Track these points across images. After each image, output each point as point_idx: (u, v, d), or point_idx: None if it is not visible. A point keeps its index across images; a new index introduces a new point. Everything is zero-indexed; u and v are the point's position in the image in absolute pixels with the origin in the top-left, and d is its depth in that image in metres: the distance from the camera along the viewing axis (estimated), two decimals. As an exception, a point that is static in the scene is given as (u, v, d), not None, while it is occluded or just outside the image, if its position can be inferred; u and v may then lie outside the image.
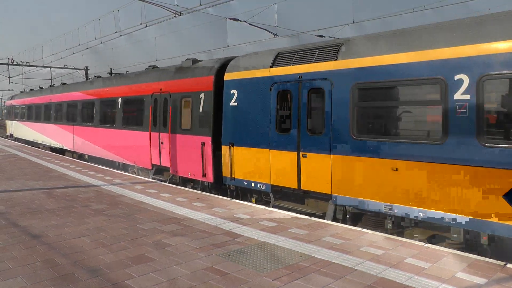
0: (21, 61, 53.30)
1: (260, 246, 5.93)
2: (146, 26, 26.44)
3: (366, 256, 5.49)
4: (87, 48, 38.94)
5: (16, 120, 32.22)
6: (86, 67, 58.60)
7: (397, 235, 6.92)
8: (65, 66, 56.62)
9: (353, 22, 26.19)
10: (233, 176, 9.82)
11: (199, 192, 10.07)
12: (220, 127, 10.30)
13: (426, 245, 5.98)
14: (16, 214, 7.89)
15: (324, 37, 26.49)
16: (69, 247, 5.92)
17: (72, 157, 19.33)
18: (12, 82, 57.09)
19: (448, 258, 5.45)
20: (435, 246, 6.00)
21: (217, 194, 10.26)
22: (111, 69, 61.01)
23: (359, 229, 6.85)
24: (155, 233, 6.58)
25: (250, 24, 24.94)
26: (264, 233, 6.53)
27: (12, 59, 52.60)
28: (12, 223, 7.30)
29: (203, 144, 10.64)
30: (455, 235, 6.46)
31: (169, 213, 7.85)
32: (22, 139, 29.96)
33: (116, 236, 6.41)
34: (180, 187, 10.85)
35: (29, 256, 5.57)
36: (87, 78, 58.16)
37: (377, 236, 6.47)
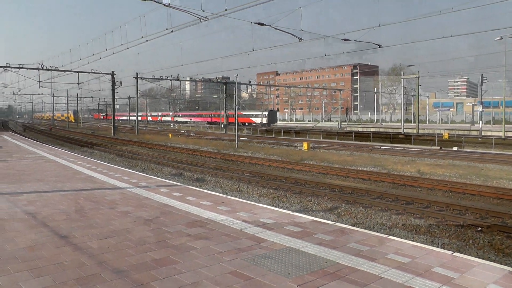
0: (50, 66, 54.44)
1: (285, 251, 5.89)
2: (172, 31, 26.73)
3: (392, 264, 5.40)
4: (113, 53, 39.50)
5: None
6: (113, 71, 59.60)
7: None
8: (92, 71, 57.60)
9: (379, 25, 26.02)
10: None
11: (224, 196, 10.08)
12: None
13: (455, 253, 5.86)
14: (45, 215, 8.01)
15: (350, 40, 26.36)
16: (95, 248, 5.98)
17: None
18: (42, 86, 58.20)
19: (478, 268, 5.31)
20: (465, 255, 5.86)
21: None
22: (137, 73, 61.78)
23: (385, 235, 6.76)
24: (180, 236, 6.60)
25: (275, 28, 24.99)
26: (289, 238, 6.48)
27: (42, 64, 53.77)
28: (41, 223, 7.42)
29: None
30: None
31: (194, 216, 7.87)
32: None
33: (141, 238, 6.45)
34: (205, 190, 10.87)
35: (57, 256, 5.65)
36: (113, 82, 58.94)
37: (404, 243, 6.36)
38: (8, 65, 51.69)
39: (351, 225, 8.35)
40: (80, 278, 4.90)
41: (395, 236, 7.09)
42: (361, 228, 7.69)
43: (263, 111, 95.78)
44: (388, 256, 5.69)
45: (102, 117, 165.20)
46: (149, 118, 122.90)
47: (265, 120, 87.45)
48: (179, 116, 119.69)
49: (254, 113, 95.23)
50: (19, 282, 4.79)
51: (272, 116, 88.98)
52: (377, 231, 9.82)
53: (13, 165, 16.19)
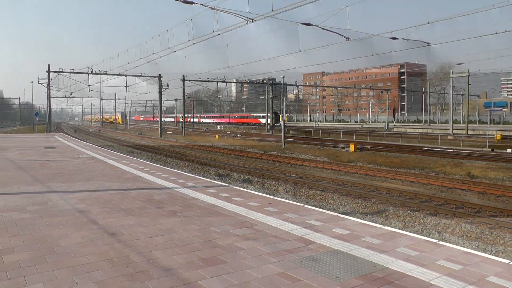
0: (99, 70, 55.91)
1: (333, 253, 5.80)
2: (219, 34, 26.92)
3: (442, 271, 5.19)
4: (160, 57, 40.13)
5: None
6: (160, 74, 60.58)
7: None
8: (140, 74, 58.78)
9: (428, 23, 25.44)
10: None
11: (271, 197, 10.06)
12: None
13: (512, 262, 5.59)
14: (95, 213, 8.20)
15: (398, 39, 25.93)
16: (143, 246, 6.06)
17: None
18: (91, 90, 59.90)
19: (538, 278, 5.05)
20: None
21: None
22: (183, 76, 62.60)
23: (435, 240, 6.55)
24: (227, 236, 6.60)
25: (322, 28, 24.81)
26: (337, 241, 6.38)
27: (91, 68, 55.30)
28: (91, 220, 7.59)
29: None
30: None
31: (241, 217, 7.86)
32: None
33: (189, 238, 6.49)
34: (252, 191, 10.87)
35: (107, 252, 5.76)
36: (160, 84, 59.96)
37: (455, 249, 6.13)
38: (61, 70, 53.67)
39: (399, 229, 8.12)
40: (129, 274, 4.98)
41: (445, 242, 6.85)
42: (410, 232, 7.47)
43: (268, 113, 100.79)
44: (438, 262, 5.48)
45: (142, 119, 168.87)
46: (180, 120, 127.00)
47: (269, 121, 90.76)
48: (204, 117, 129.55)
49: (261, 114, 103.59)
50: (73, 276, 4.94)
51: (275, 117, 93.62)
52: (426, 236, 9.58)
53: (65, 165, 16.67)
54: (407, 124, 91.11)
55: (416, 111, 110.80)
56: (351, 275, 5.03)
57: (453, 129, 54.18)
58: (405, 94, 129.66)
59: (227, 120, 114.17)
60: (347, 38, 26.90)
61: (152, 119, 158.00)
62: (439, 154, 29.42)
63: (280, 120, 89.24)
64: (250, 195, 10.22)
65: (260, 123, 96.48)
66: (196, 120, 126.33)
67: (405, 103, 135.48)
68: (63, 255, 5.69)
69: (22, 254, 5.74)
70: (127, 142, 47.87)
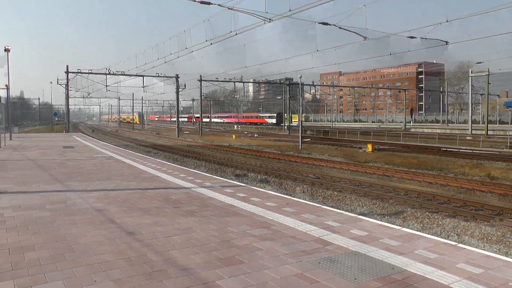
0: (117, 71, 56.39)
1: (351, 255, 5.75)
2: (236, 34, 26.94)
3: (462, 274, 5.08)
4: (178, 57, 40.32)
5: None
6: (177, 75, 60.85)
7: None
8: (157, 75, 59.09)
9: (447, 21, 25.12)
10: None
11: (289, 197, 10.02)
12: None
13: (536, 267, 5.43)
14: (113, 212, 8.25)
15: (415, 38, 25.69)
16: (161, 245, 6.08)
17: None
18: (109, 90, 60.46)
19: None
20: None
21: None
22: (201, 76, 62.84)
23: (454, 243, 6.45)
24: (245, 236, 6.59)
25: (339, 27, 24.68)
26: (355, 242, 6.32)
27: (109, 69, 55.81)
28: (109, 219, 7.64)
29: None
30: None
31: (259, 217, 7.84)
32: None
33: (206, 237, 6.49)
34: (269, 191, 10.85)
35: (125, 251, 5.79)
36: (177, 85, 60.22)
37: (475, 252, 6.02)
38: (79, 70, 54.29)
39: (418, 231, 8.02)
40: (147, 273, 5.00)
41: (465, 244, 6.72)
42: (428, 234, 7.35)
43: (272, 114, 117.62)
44: (458, 266, 5.38)
45: (156, 119, 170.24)
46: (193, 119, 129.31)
47: (274, 121, 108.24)
48: (214, 117, 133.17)
49: (267, 115, 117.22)
50: (91, 274, 4.98)
51: (279, 117, 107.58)
52: (445, 238, 9.46)
53: (83, 164, 16.81)
54: (425, 124, 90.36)
55: (434, 111, 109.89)
56: (369, 277, 4.97)
57: (472, 129, 53.50)
58: (423, 94, 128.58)
59: (235, 120, 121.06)
60: (365, 38, 26.75)
61: (165, 119, 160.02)
62: (457, 155, 29.08)
63: (283, 120, 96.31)
64: (267, 195, 10.20)
65: (266, 123, 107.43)
66: (207, 120, 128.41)
67: (422, 103, 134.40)
68: (81, 253, 5.73)
69: (42, 251, 5.81)
70: (145, 142, 48.17)
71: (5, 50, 30.97)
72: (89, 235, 6.59)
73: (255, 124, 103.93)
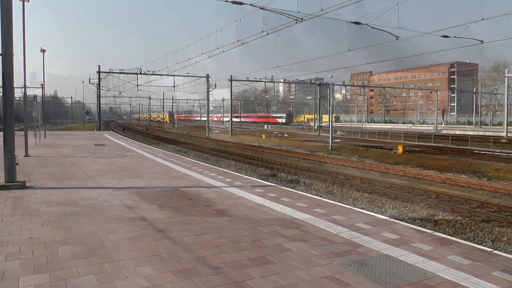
0: (148, 71, 57.09)
1: (382, 258, 5.65)
2: (268, 34, 26.92)
3: (500, 283, 4.89)
4: (209, 57, 40.57)
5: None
6: (207, 74, 61.24)
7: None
8: (188, 74, 59.60)
9: (482, 19, 24.56)
10: None
11: (319, 198, 9.95)
12: None
13: None
14: (144, 209, 8.33)
15: (449, 37, 25.20)
16: (192, 243, 6.10)
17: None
18: (140, 90, 61.26)
19: None
20: None
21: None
22: (231, 76, 63.06)
23: (489, 249, 6.26)
24: (275, 236, 6.56)
25: (371, 27, 24.41)
26: (386, 245, 6.21)
27: (140, 69, 56.55)
28: (140, 216, 7.71)
29: None
30: None
31: (289, 217, 7.80)
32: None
33: (237, 237, 6.49)
34: (299, 192, 10.78)
35: (155, 248, 5.84)
36: (208, 85, 60.58)
37: (512, 259, 5.82)
38: (111, 70, 55.23)
39: (450, 235, 7.80)
40: (177, 271, 5.02)
41: (501, 251, 6.49)
42: (461, 239, 7.14)
43: (283, 114, 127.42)
44: (494, 273, 5.20)
45: (182, 118, 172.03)
46: (215, 119, 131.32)
47: (284, 120, 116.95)
48: (235, 117, 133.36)
49: (279, 115, 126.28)
50: (122, 270, 5.04)
51: (289, 117, 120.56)
52: (479, 244, 9.21)
53: (114, 161, 17.05)
54: (457, 125, 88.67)
55: (466, 112, 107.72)
56: (401, 281, 4.87)
57: (507, 132, 52.23)
58: (455, 95, 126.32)
59: (251, 119, 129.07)
60: (397, 37, 26.39)
61: (190, 118, 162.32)
62: (491, 158, 28.41)
63: (294, 120, 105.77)
64: (297, 195, 10.15)
65: (277, 122, 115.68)
66: (227, 119, 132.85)
67: (454, 104, 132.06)
68: (112, 249, 5.81)
69: (75, 246, 5.92)
70: (175, 140, 48.53)
71: (41, 50, 31.61)
72: (120, 232, 6.66)
73: (268, 123, 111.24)
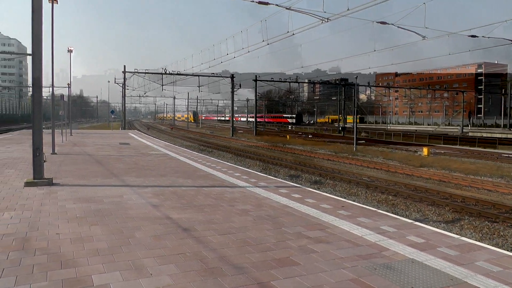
0: (173, 71, 57.53)
1: (408, 262, 5.55)
2: (293, 34, 26.83)
3: (533, 292, 4.75)
4: (234, 57, 40.67)
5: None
6: (232, 74, 61.36)
7: None
8: (212, 74, 59.83)
9: (513, 19, 24.04)
10: None
11: (344, 200, 9.88)
12: None
13: None
14: (168, 207, 8.37)
15: (477, 37, 24.77)
16: (216, 243, 6.10)
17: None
18: (165, 89, 61.78)
19: None
20: None
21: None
22: (256, 76, 63.08)
23: (521, 256, 6.07)
24: (300, 237, 6.52)
25: (398, 27, 24.15)
26: (412, 250, 6.11)
27: (165, 69, 57.04)
28: (165, 215, 7.75)
29: None
30: None
31: (314, 219, 7.75)
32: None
33: (261, 237, 6.47)
34: (324, 193, 10.71)
35: (180, 247, 5.86)
36: (233, 85, 60.73)
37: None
38: (136, 70, 55.94)
39: (477, 241, 7.62)
40: (202, 270, 5.03)
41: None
42: (489, 245, 6.96)
43: (293, 114, 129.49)
44: (526, 282, 5.05)
45: (204, 117, 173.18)
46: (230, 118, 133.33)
47: (294, 121, 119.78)
48: (250, 117, 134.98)
49: (289, 115, 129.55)
50: (147, 267, 5.08)
51: (298, 117, 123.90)
52: (508, 250, 9.02)
53: (139, 160, 17.19)
54: (484, 128, 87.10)
55: (494, 114, 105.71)
56: (427, 286, 4.78)
57: (536, 135, 51.09)
58: (482, 96, 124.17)
59: (264, 119, 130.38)
60: (424, 37, 26.03)
61: (212, 118, 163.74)
62: (520, 162, 27.88)
63: (302, 119, 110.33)
64: (322, 197, 10.08)
65: (288, 122, 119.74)
66: (243, 119, 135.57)
67: (481, 106, 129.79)
68: (137, 246, 5.87)
69: (100, 243, 5.99)
70: (199, 140, 48.78)
71: (68, 51, 32.04)
72: (145, 230, 6.71)
73: (279, 123, 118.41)
